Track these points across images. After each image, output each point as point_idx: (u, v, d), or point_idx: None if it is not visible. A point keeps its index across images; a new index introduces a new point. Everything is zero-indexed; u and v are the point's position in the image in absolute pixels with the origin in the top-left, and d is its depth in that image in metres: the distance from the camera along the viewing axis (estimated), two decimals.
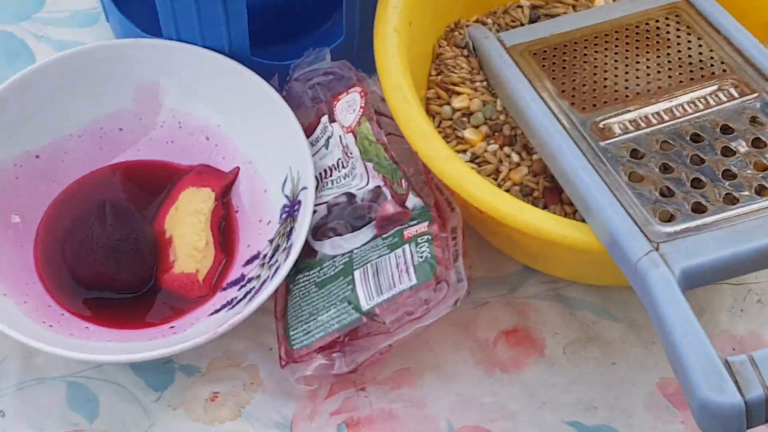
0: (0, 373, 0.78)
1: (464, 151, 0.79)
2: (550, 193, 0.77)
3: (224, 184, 0.83)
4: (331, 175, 0.79)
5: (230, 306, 0.77)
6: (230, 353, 0.79)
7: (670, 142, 0.72)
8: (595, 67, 0.78)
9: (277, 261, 0.76)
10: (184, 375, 0.78)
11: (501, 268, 0.83)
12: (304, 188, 0.77)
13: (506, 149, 0.79)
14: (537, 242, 0.71)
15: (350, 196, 0.78)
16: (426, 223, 0.73)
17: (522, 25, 0.87)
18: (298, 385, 0.75)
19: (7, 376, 0.78)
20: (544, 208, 0.76)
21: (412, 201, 0.75)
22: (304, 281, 0.76)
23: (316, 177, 0.79)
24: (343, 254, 0.76)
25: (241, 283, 0.78)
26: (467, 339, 0.80)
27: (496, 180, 0.78)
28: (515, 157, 0.78)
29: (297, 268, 0.77)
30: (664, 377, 0.78)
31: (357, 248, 0.75)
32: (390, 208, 0.75)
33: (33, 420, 0.77)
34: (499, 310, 0.81)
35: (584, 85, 0.77)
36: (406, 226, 0.74)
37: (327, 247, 0.77)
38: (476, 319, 0.81)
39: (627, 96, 0.76)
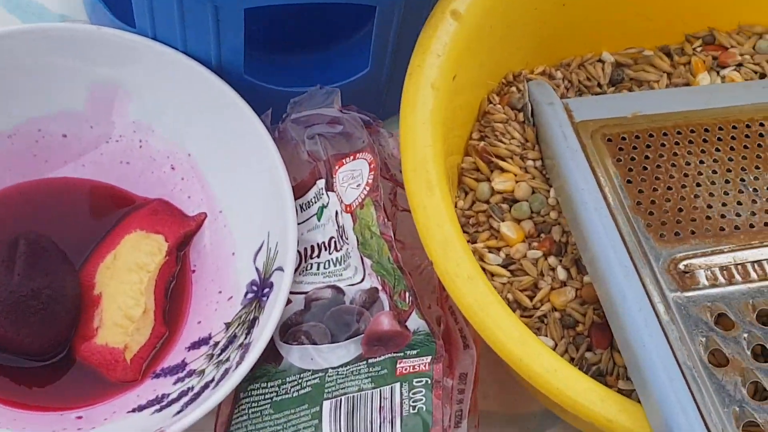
0: None
1: (497, 250, 0.64)
2: (600, 332, 0.62)
3: (183, 233, 0.69)
4: (318, 256, 0.64)
5: (159, 406, 0.63)
6: None
7: None
8: (686, 176, 0.63)
9: (229, 359, 0.62)
10: None
11: (518, 405, 0.68)
12: (280, 269, 0.62)
13: (551, 260, 0.63)
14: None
15: (338, 291, 0.63)
16: (428, 359, 0.58)
17: (600, 86, 0.71)
18: None
19: None
20: (588, 350, 0.61)
21: (416, 323, 0.60)
22: (258, 394, 0.61)
23: (298, 252, 0.63)
24: (314, 372, 0.61)
25: (180, 375, 0.64)
26: None
27: (531, 299, 0.62)
28: (561, 274, 0.63)
29: (253, 374, 0.62)
30: None
31: (333, 368, 0.60)
32: (386, 322, 0.60)
33: None
34: None
35: (668, 200, 0.62)
36: (402, 355, 0.59)
37: (295, 356, 0.62)
38: None
39: (722, 228, 0.60)
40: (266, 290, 0.64)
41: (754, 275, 0.58)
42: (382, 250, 0.62)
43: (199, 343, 0.66)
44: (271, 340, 0.63)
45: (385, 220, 0.62)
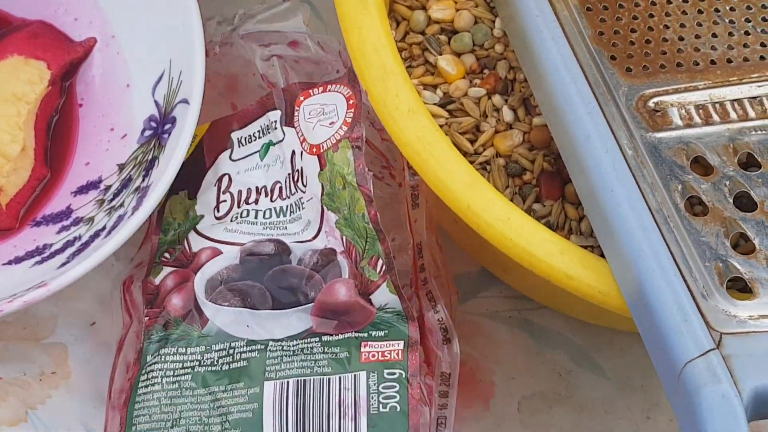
0: None
1: (433, 88, 0.58)
2: (550, 180, 0.56)
3: (69, 61, 0.62)
4: (256, 202, 0.56)
5: (40, 257, 0.58)
6: (29, 319, 0.60)
7: (757, 155, 0.51)
8: (653, 4, 0.57)
9: (123, 205, 0.56)
10: None
11: (451, 265, 0.61)
12: (184, 101, 0.56)
13: (496, 99, 0.57)
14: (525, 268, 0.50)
15: (282, 247, 0.54)
16: (400, 345, 0.51)
17: None
18: None
19: None
20: (536, 202, 0.55)
21: (384, 297, 0.52)
22: (174, 361, 0.53)
23: (230, 194, 0.57)
24: (250, 342, 0.53)
25: (64, 223, 0.59)
26: None
27: (473, 143, 0.56)
28: (507, 114, 0.57)
29: (167, 334, 0.54)
30: None
31: (276, 341, 0.52)
32: (342, 291, 0.52)
33: None
34: None
35: (634, 31, 0.55)
36: (366, 336, 0.51)
37: (225, 319, 0.53)
38: None
39: (697, 63, 0.55)
40: (167, 126, 0.57)
41: (733, 115, 0.52)
42: (356, 204, 0.54)
43: (87, 187, 0.60)
44: (195, 298, 0.54)
45: (365, 169, 0.54)
